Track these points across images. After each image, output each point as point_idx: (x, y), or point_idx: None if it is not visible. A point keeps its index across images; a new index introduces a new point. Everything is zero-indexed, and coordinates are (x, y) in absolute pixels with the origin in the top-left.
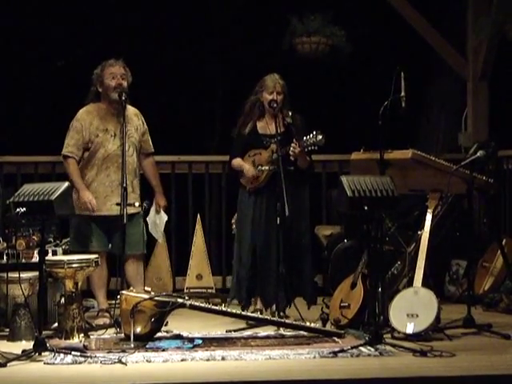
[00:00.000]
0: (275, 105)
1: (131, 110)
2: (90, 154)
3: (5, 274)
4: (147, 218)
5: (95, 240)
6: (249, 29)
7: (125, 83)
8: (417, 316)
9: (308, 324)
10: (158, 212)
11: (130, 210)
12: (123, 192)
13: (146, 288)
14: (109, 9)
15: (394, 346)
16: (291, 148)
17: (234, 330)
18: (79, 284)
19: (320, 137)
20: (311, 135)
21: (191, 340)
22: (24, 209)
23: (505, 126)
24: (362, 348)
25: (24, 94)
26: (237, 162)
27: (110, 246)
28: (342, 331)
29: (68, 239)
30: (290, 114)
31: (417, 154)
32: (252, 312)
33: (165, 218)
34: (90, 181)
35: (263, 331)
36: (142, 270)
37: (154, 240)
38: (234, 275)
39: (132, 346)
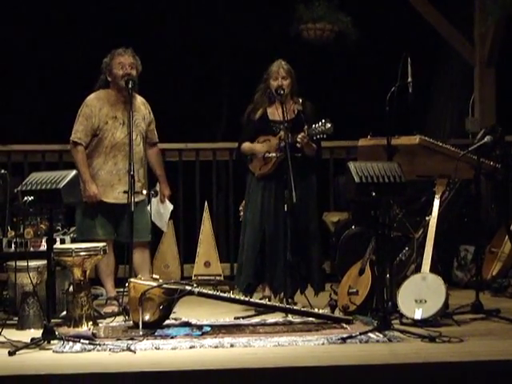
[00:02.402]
0: (282, 92)
1: (139, 99)
2: (98, 140)
3: (13, 263)
4: (148, 207)
5: (100, 228)
6: (256, 15)
7: (133, 72)
8: (425, 302)
9: (316, 310)
10: (162, 201)
11: (136, 198)
12: (131, 180)
13: (154, 276)
14: None
15: (402, 331)
16: (299, 138)
17: (243, 317)
18: (87, 272)
19: (329, 125)
20: (320, 123)
21: (200, 327)
22: (32, 197)
23: None
24: (370, 334)
25: (30, 82)
26: (246, 145)
27: (115, 234)
28: (351, 317)
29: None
30: (301, 100)
31: (424, 140)
32: (260, 299)
33: (170, 207)
34: (97, 168)
35: (271, 318)
36: (149, 257)
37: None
38: (238, 262)
39: (141, 333)
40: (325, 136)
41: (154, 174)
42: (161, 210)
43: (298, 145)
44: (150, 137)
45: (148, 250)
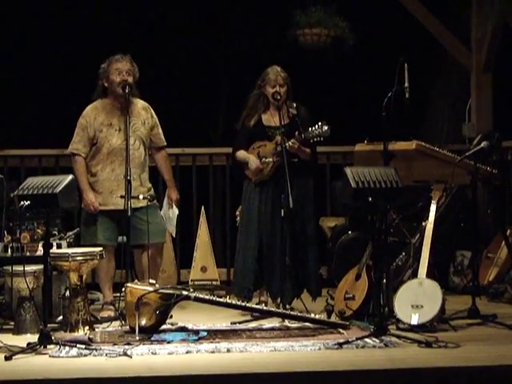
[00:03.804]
0: (279, 97)
1: (140, 104)
2: (96, 149)
3: (9, 268)
4: (161, 212)
5: (101, 232)
6: (253, 21)
7: (130, 79)
8: (421, 307)
9: (313, 315)
10: (171, 206)
11: (139, 203)
12: (127, 185)
13: (151, 280)
14: (113, 2)
15: (398, 337)
16: (290, 143)
17: (239, 322)
18: (84, 277)
19: (326, 128)
20: (317, 126)
21: (196, 332)
22: (28, 202)
23: (508, 116)
24: (367, 339)
25: (27, 87)
26: (241, 153)
27: (120, 238)
28: (347, 322)
29: (72, 232)
30: (295, 105)
31: (421, 145)
32: (257, 304)
33: (176, 211)
34: (97, 176)
35: (268, 323)
36: (160, 260)
37: None
38: (236, 268)
39: (137, 338)
40: (322, 139)
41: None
42: (170, 215)
43: (289, 147)
44: (154, 141)
45: (159, 254)
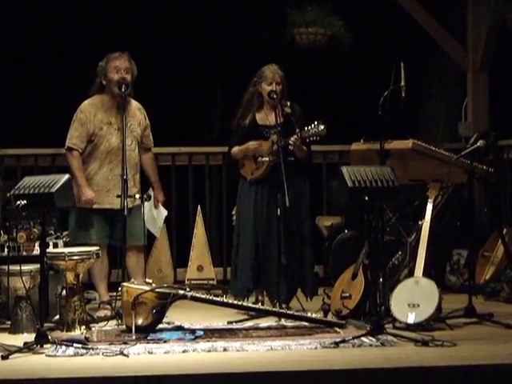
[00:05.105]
0: (275, 96)
1: (134, 105)
2: (93, 146)
3: (6, 267)
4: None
5: (95, 232)
6: (250, 19)
7: (128, 77)
8: (418, 306)
9: (309, 314)
10: (156, 207)
11: (131, 203)
12: (124, 184)
13: (147, 280)
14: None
15: (395, 336)
16: (291, 140)
17: (236, 321)
18: (80, 276)
19: (322, 127)
20: (313, 125)
21: (193, 331)
22: (24, 201)
23: (505, 115)
24: (363, 338)
25: (23, 86)
26: (237, 148)
27: (110, 238)
28: (344, 321)
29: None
30: (289, 104)
31: (417, 144)
32: (253, 303)
33: (164, 213)
34: (92, 174)
35: (264, 322)
36: (143, 261)
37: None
38: (233, 268)
39: (133, 337)
40: (318, 138)
41: (148, 179)
42: (154, 216)
43: (291, 147)
44: (144, 142)
45: (142, 254)
